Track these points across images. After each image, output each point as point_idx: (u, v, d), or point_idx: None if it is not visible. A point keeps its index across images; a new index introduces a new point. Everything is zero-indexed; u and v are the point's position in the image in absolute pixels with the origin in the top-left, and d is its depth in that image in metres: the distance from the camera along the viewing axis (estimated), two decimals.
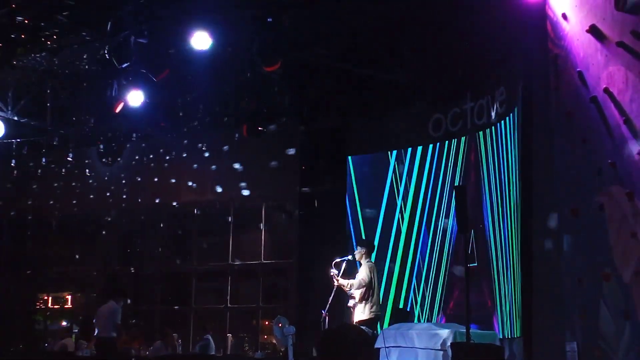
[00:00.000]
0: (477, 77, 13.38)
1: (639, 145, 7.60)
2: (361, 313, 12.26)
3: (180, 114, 17.14)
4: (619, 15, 8.00)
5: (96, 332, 14.95)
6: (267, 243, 18.17)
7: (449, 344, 11.20)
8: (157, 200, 19.28)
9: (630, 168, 7.78)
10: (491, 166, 12.93)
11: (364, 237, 14.85)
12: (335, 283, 12.30)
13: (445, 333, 11.67)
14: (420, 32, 12.95)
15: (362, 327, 11.84)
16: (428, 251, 14.23)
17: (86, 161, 20.12)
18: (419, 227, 14.47)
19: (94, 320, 15.04)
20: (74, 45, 14.45)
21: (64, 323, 20.93)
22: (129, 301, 19.02)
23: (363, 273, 12.34)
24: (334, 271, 12.37)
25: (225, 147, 18.10)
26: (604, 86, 8.18)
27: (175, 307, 19.66)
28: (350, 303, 12.41)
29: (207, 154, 18.41)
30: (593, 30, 8.39)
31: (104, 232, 20.38)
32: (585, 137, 8.64)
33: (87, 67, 15.57)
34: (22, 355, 19.23)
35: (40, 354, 18.78)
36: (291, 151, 17.07)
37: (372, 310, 12.25)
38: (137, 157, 19.42)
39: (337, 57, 14.34)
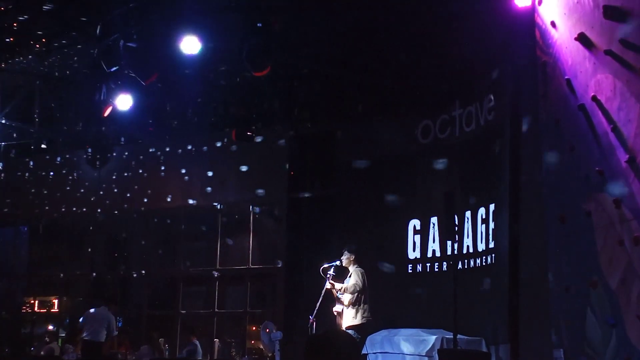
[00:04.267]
0: (466, 84, 13.41)
1: (627, 154, 7.62)
2: (352, 318, 12.24)
3: (169, 119, 17.12)
4: (607, 24, 8.02)
5: (85, 334, 14.87)
6: (255, 248, 18.14)
7: (436, 350, 11.23)
8: (144, 205, 19.23)
9: (618, 176, 7.80)
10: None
11: None
12: (328, 284, 12.25)
13: (432, 339, 11.70)
14: (409, 38, 12.98)
15: (352, 331, 11.95)
16: None
17: (74, 165, 20.07)
18: None
19: (81, 321, 14.95)
20: (62, 48, 14.43)
21: (51, 327, 20.85)
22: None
23: (356, 278, 12.32)
24: (329, 273, 12.32)
25: (214, 152, 18.08)
26: (592, 94, 8.19)
27: (162, 311, 19.61)
28: (338, 308, 12.39)
29: (195, 159, 18.37)
30: (582, 38, 8.40)
31: (91, 236, 20.32)
32: (573, 144, 8.66)
33: (75, 70, 15.54)
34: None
35: (26, 358, 18.71)
36: (280, 156, 17.06)
37: (364, 315, 12.25)
38: (125, 161, 19.38)
39: (327, 63, 14.36)
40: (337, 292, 12.33)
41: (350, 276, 12.46)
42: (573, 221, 8.69)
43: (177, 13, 12.16)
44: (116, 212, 19.63)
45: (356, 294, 12.23)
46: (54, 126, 18.36)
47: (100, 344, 14.87)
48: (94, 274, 20.11)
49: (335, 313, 12.47)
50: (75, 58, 15.00)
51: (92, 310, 14.99)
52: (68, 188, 20.06)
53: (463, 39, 12.06)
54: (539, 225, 9.96)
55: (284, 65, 14.06)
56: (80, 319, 15.03)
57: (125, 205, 19.41)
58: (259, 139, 16.46)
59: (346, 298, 12.27)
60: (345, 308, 12.32)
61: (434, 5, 11.93)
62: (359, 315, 12.22)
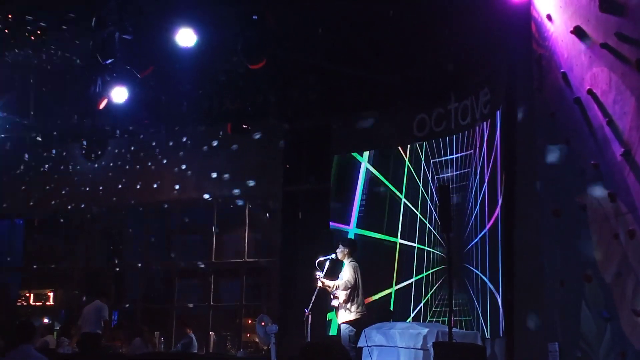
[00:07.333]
0: (462, 77, 13.39)
1: (622, 147, 7.61)
2: (347, 314, 12.23)
3: (164, 111, 17.08)
4: (603, 17, 8.02)
5: (82, 329, 14.97)
6: (250, 242, 18.12)
7: (430, 343, 11.22)
8: (140, 198, 19.19)
9: (613, 169, 7.80)
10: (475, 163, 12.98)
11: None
12: (320, 285, 12.25)
13: (427, 332, 11.68)
14: (405, 32, 12.95)
15: (346, 325, 11.94)
16: None
17: (69, 158, 20.02)
18: None
19: (79, 320, 15.10)
20: (57, 40, 14.36)
21: (46, 320, 20.82)
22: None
23: (348, 274, 12.28)
24: (318, 273, 12.31)
25: (209, 145, 18.03)
26: (588, 87, 8.19)
27: (158, 305, 19.60)
28: (334, 303, 12.38)
29: (190, 152, 18.34)
30: (577, 32, 8.40)
31: (86, 229, 20.28)
32: (568, 138, 8.66)
33: (71, 63, 15.47)
34: (2, 352, 19.11)
35: None
36: (276, 149, 17.04)
37: (358, 310, 12.23)
38: (120, 154, 19.32)
39: (322, 56, 14.33)
40: (331, 290, 12.31)
41: (343, 271, 12.45)
42: (568, 215, 8.69)
43: (172, 5, 12.13)
44: (111, 205, 19.59)
45: (349, 290, 12.22)
46: (49, 119, 18.28)
47: (97, 335, 14.97)
48: (90, 268, 20.10)
49: (334, 307, 12.49)
50: (71, 50, 14.93)
51: (87, 305, 15.11)
52: (63, 181, 20.01)
53: (459, 32, 12.05)
54: (533, 219, 9.96)
55: (279, 58, 14.02)
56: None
57: (121, 199, 19.36)
58: (255, 134, 16.47)
59: (341, 295, 12.26)
60: (340, 303, 12.30)
61: None
62: (353, 310, 12.21)
